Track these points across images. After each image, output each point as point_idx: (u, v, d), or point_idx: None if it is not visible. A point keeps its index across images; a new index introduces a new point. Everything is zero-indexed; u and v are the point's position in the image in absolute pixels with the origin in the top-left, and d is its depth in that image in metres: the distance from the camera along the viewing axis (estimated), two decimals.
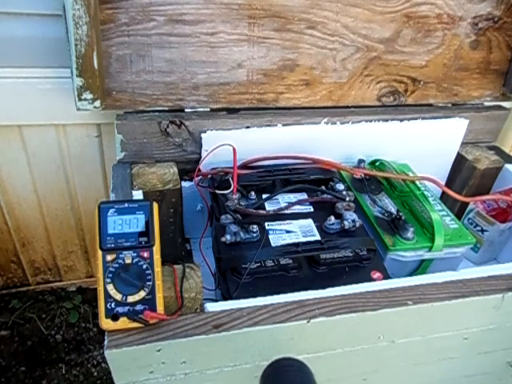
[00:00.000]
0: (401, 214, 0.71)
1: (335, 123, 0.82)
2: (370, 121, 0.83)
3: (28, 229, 1.01)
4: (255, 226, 0.64)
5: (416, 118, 0.85)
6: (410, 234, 0.68)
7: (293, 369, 0.45)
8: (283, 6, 0.72)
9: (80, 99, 0.66)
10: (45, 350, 1.05)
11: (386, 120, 0.84)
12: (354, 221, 0.67)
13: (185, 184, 0.78)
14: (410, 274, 0.71)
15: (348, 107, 0.85)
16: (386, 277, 0.62)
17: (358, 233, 0.68)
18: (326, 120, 0.81)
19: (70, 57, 0.63)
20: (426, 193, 0.76)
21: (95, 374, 1.03)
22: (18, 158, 0.90)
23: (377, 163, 0.84)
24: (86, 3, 0.59)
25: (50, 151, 0.90)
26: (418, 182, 0.77)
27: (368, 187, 0.78)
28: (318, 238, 0.66)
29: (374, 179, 0.81)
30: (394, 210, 0.74)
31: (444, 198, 0.86)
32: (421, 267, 0.71)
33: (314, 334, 0.52)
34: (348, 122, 0.82)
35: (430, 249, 0.69)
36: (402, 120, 0.84)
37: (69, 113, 0.78)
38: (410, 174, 0.81)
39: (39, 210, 0.99)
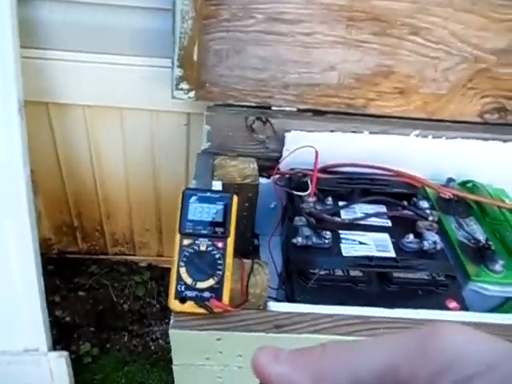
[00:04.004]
0: (490, 242, 0.64)
1: (426, 137, 0.77)
2: (468, 138, 0.76)
3: (114, 203, 1.10)
4: (328, 233, 0.62)
5: None
6: (498, 267, 0.62)
7: None
8: (386, 9, 0.69)
9: (177, 88, 0.70)
10: (112, 316, 1.13)
11: (486, 139, 0.76)
12: (435, 242, 0.63)
13: (262, 180, 0.78)
14: (491, 311, 0.65)
15: (443, 121, 0.79)
16: (464, 308, 0.57)
17: (438, 256, 0.63)
18: (417, 132, 0.76)
19: (172, 48, 0.67)
20: None
21: (152, 347, 1.09)
22: (115, 137, 0.98)
23: (468, 184, 0.78)
24: None
25: (142, 134, 0.97)
26: None
27: (455, 209, 0.72)
28: (392, 254, 0.62)
29: (463, 201, 0.74)
30: (482, 238, 0.67)
31: None
32: (505, 305, 0.64)
33: None
34: (441, 137, 0.76)
35: None
36: (505, 141, 0.76)
37: (163, 100, 0.83)
38: (507, 202, 0.73)
39: (125, 186, 1.07)
